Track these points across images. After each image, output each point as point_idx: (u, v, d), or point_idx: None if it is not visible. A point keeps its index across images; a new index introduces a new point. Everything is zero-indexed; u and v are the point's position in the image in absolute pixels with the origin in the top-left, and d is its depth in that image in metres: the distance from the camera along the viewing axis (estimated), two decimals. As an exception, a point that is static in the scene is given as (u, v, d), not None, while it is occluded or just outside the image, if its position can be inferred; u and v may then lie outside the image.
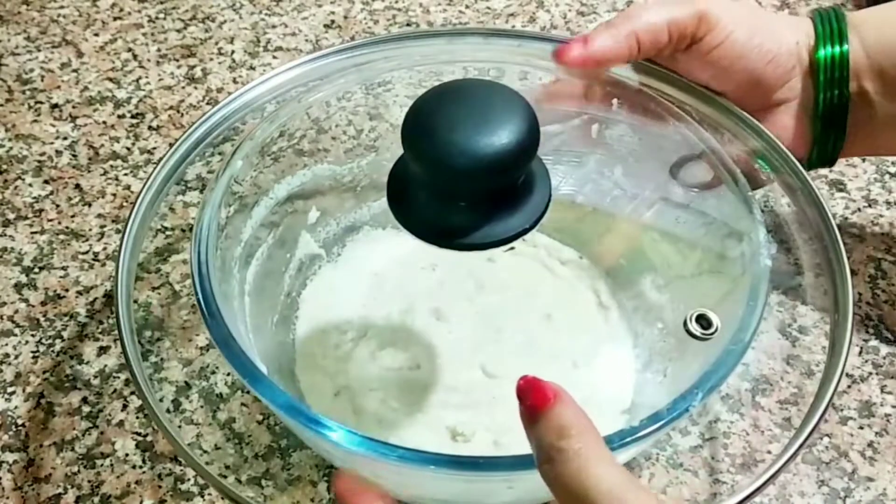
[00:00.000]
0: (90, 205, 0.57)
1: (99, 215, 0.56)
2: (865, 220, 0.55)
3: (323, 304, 0.49)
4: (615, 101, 0.45)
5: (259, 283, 0.44)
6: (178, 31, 0.70)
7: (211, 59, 0.67)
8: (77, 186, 0.58)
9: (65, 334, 0.49)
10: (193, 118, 0.62)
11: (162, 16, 0.72)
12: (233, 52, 0.68)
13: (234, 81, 0.65)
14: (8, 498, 0.42)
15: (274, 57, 0.68)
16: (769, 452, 0.44)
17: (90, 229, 0.55)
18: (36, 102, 0.64)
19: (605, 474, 0.27)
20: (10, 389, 0.47)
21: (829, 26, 0.43)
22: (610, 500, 0.26)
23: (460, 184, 0.32)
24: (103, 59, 0.68)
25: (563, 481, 0.27)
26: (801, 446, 0.33)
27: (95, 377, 0.47)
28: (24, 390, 0.47)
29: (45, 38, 0.70)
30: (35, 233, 0.55)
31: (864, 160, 0.59)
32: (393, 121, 0.50)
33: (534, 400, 0.29)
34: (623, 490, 0.26)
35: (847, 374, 0.47)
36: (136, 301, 0.51)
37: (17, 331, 0.50)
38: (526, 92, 0.33)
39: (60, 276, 0.52)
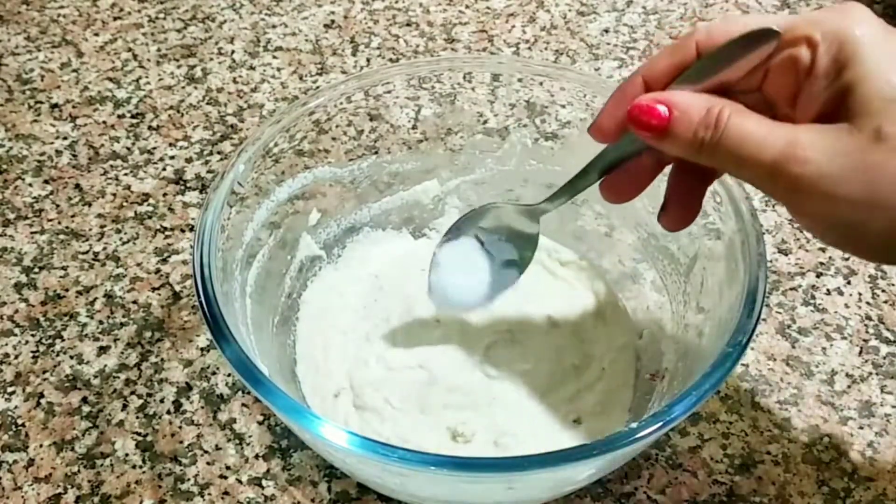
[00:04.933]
0: (90, 205, 0.57)
1: (99, 215, 0.56)
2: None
3: (323, 306, 0.49)
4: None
5: (260, 284, 0.44)
6: (178, 31, 0.70)
7: (211, 59, 0.67)
8: (77, 186, 0.58)
9: (65, 334, 0.49)
10: (193, 118, 0.62)
11: (162, 16, 0.72)
12: (233, 52, 0.68)
13: (234, 81, 0.65)
14: (8, 498, 0.43)
15: (274, 57, 0.68)
16: (768, 453, 0.44)
17: (90, 229, 0.55)
18: (36, 102, 0.64)
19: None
20: (10, 389, 0.47)
21: None
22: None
23: None
24: (103, 59, 0.68)
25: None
26: None
27: (95, 377, 0.47)
28: (24, 390, 0.47)
29: (45, 38, 0.70)
30: (35, 233, 0.55)
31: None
32: (393, 121, 0.50)
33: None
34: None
35: (847, 375, 0.47)
36: (135, 301, 0.51)
37: (17, 331, 0.50)
38: None
39: (60, 276, 0.52)
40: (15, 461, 0.44)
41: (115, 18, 0.72)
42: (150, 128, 0.62)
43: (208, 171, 0.59)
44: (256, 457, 0.44)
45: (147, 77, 0.66)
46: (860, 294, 0.51)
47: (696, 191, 0.37)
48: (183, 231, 0.55)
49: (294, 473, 0.43)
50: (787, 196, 0.32)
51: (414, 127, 0.51)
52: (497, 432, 0.43)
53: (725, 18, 0.33)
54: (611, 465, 0.40)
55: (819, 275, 0.52)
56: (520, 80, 0.48)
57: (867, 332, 0.49)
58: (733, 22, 0.33)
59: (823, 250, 0.54)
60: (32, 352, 0.49)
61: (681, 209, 0.38)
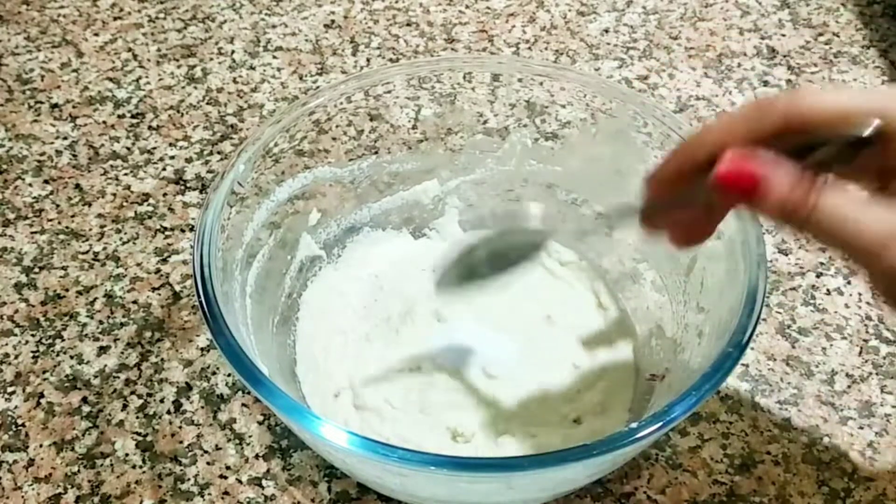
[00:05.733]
0: (90, 205, 0.57)
1: (99, 215, 0.56)
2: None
3: (323, 306, 0.49)
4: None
5: (260, 284, 0.44)
6: (178, 31, 0.70)
7: (211, 59, 0.67)
8: (77, 186, 0.58)
9: (65, 334, 0.49)
10: (193, 118, 0.62)
11: (162, 16, 0.72)
12: (233, 52, 0.68)
13: (234, 81, 0.65)
14: (8, 498, 0.43)
15: (274, 57, 0.68)
16: (768, 453, 0.44)
17: (90, 229, 0.55)
18: (36, 102, 0.64)
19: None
20: (10, 389, 0.47)
21: None
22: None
23: None
24: (103, 59, 0.68)
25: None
26: None
27: (95, 377, 0.47)
28: (24, 390, 0.47)
29: (45, 38, 0.70)
30: (35, 233, 0.55)
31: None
32: (393, 121, 0.50)
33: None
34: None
35: (847, 375, 0.47)
36: (135, 301, 0.51)
37: (17, 331, 0.50)
38: None
39: (60, 276, 0.52)
40: (15, 461, 0.44)
41: (115, 18, 0.71)
42: (150, 128, 0.62)
43: (208, 171, 0.59)
44: (256, 457, 0.44)
45: (147, 77, 0.66)
46: (860, 294, 0.51)
47: (716, 214, 0.35)
48: (183, 231, 0.55)
49: (294, 473, 0.43)
50: (876, 276, 0.30)
51: (414, 127, 0.51)
52: (497, 432, 0.43)
53: (820, 95, 0.30)
54: (611, 465, 0.40)
55: (819, 275, 0.52)
56: (520, 80, 0.48)
57: (867, 332, 0.49)
58: (829, 101, 0.30)
59: (824, 250, 0.54)
60: (32, 352, 0.49)
61: (697, 229, 0.36)
